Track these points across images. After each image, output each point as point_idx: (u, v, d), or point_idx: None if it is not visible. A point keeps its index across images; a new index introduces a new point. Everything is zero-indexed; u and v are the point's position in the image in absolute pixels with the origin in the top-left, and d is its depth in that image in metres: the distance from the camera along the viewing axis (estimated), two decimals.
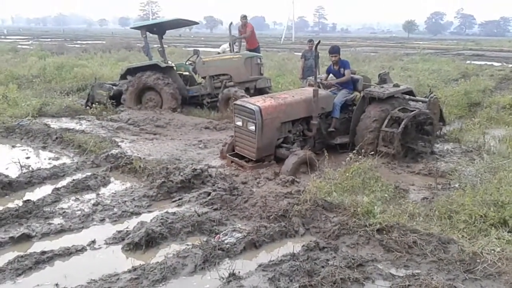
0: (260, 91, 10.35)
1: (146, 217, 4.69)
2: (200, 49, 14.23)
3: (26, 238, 4.15)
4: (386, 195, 5.00)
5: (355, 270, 3.55)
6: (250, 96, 8.79)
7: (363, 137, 6.76)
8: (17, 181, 5.52)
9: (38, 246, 4.03)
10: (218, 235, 4.24)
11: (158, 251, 4.01)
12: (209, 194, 5.12)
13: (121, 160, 6.25)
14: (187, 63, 11.84)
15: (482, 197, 4.53)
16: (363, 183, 5.24)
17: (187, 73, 11.46)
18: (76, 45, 33.88)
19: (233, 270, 3.51)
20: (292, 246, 3.98)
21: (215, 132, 8.77)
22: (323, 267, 3.57)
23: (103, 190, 5.48)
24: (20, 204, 4.74)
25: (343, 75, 7.25)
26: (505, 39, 73.27)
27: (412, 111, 6.78)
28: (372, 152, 6.20)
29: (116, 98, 10.44)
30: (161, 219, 4.37)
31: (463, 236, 4.05)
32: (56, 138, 7.59)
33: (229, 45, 11.49)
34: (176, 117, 9.48)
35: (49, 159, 6.77)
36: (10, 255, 3.85)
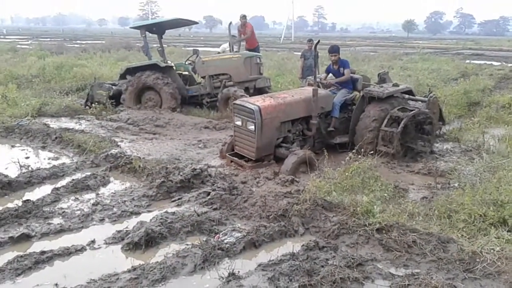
0: (260, 91, 10.35)
1: (146, 216, 4.69)
2: (199, 48, 14.21)
3: (26, 238, 4.15)
4: (385, 194, 5.01)
5: (355, 269, 3.55)
6: (250, 96, 8.80)
7: (363, 136, 6.76)
8: (16, 181, 5.51)
9: (37, 246, 4.02)
10: (217, 235, 4.24)
11: (158, 250, 4.01)
12: (208, 193, 5.11)
13: (120, 159, 6.25)
14: (186, 63, 11.83)
15: (481, 197, 4.53)
16: (363, 183, 5.25)
17: (186, 72, 11.45)
18: (76, 45, 33.86)
19: (233, 270, 3.51)
20: (291, 246, 3.98)
21: (215, 131, 8.77)
22: (322, 266, 3.57)
23: (102, 190, 5.48)
24: (20, 204, 4.73)
25: (343, 74, 7.25)
26: (505, 39, 73.36)
27: (412, 110, 6.79)
28: (372, 152, 6.21)
29: (116, 98, 10.44)
30: (161, 218, 4.37)
31: (462, 235, 4.05)
32: (56, 138, 7.58)
33: (229, 45, 11.49)
34: (175, 117, 9.48)
35: (49, 159, 6.77)
36: (10, 255, 3.84)
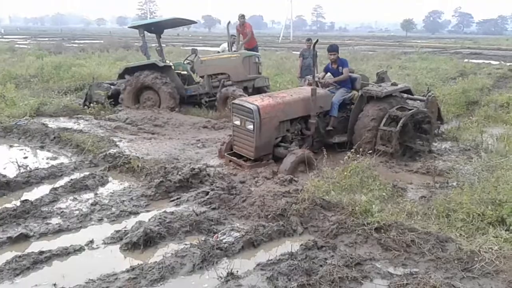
0: (258, 90, 10.35)
1: (144, 216, 4.68)
2: (198, 48, 14.23)
3: (24, 238, 4.15)
4: (384, 194, 5.01)
5: (353, 269, 3.55)
6: (248, 95, 8.79)
7: (361, 136, 6.76)
8: (15, 181, 5.50)
9: (36, 246, 4.02)
10: (216, 235, 4.24)
11: (156, 250, 4.01)
12: (207, 193, 5.11)
13: (119, 159, 6.25)
14: (185, 62, 11.82)
15: (480, 196, 4.54)
16: (361, 182, 5.25)
17: (185, 72, 11.44)
18: (74, 45, 33.79)
19: (232, 270, 3.51)
20: (290, 245, 3.98)
21: (213, 131, 8.77)
22: (321, 266, 3.58)
23: (101, 190, 5.47)
24: (18, 204, 4.73)
25: (341, 73, 7.25)
26: (503, 38, 73.52)
27: (410, 109, 6.79)
28: (370, 151, 6.21)
29: (114, 98, 10.42)
30: (159, 218, 4.36)
31: (461, 234, 4.06)
32: (54, 137, 7.57)
33: (228, 44, 11.48)
34: (174, 117, 9.47)
35: (47, 158, 6.76)
36: (8, 255, 3.84)
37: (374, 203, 4.53)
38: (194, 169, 5.59)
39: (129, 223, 4.50)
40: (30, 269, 3.63)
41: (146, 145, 7.52)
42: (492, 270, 3.46)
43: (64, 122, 9.11)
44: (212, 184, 5.39)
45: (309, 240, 4.02)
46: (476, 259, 3.58)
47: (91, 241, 4.10)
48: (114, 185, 5.67)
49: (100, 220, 4.61)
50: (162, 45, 11.89)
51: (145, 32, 10.93)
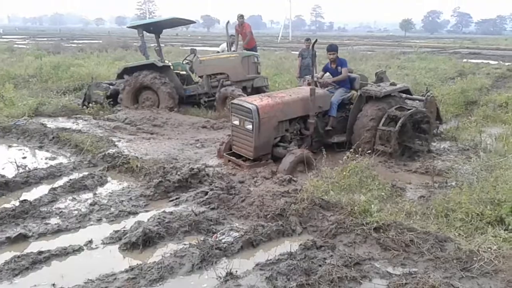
0: (257, 90, 10.36)
1: (143, 216, 4.68)
2: (197, 48, 14.22)
3: (23, 238, 4.14)
4: (383, 193, 5.01)
5: (352, 268, 3.55)
6: (247, 95, 8.79)
7: (360, 135, 6.77)
8: (13, 181, 5.50)
9: (35, 246, 4.01)
10: (215, 234, 4.24)
11: (155, 250, 4.01)
12: (206, 193, 5.11)
13: (118, 159, 6.24)
14: (184, 62, 11.81)
15: (478, 195, 4.54)
16: (360, 182, 5.25)
17: (184, 72, 11.43)
18: (73, 45, 33.76)
19: (231, 270, 3.51)
20: (289, 245, 3.98)
21: (212, 131, 8.76)
22: (320, 266, 3.58)
23: (100, 190, 5.47)
24: (17, 204, 4.72)
25: (340, 73, 7.26)
26: (502, 37, 73.65)
27: (409, 109, 6.79)
28: (369, 151, 6.21)
29: (113, 98, 10.41)
30: (158, 218, 4.36)
31: (459, 234, 4.06)
32: (53, 137, 7.56)
33: (227, 44, 11.48)
34: (173, 117, 9.46)
35: (46, 158, 6.75)
36: (7, 255, 3.83)
37: (373, 203, 4.53)
38: (193, 169, 5.59)
39: (128, 223, 4.50)
40: (29, 269, 3.63)
41: (145, 145, 7.51)
42: (491, 269, 3.47)
43: (63, 122, 9.10)
44: (211, 184, 5.39)
45: (308, 240, 4.02)
46: (475, 258, 3.58)
47: (90, 241, 4.10)
48: (113, 185, 5.67)
49: (99, 220, 4.61)
50: (161, 45, 11.88)
51: (144, 32, 10.92)
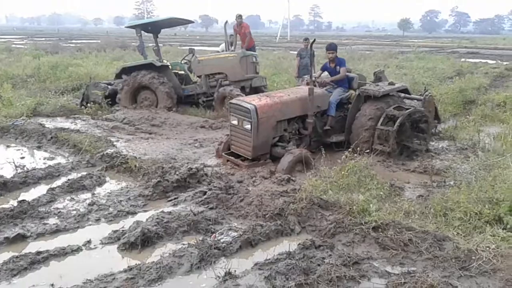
0: (256, 90, 10.35)
1: (142, 216, 4.68)
2: (195, 48, 14.19)
3: (21, 238, 4.14)
4: (381, 193, 5.01)
5: (351, 268, 3.56)
6: (246, 95, 8.78)
7: (359, 135, 6.77)
8: (12, 181, 5.49)
9: (33, 246, 4.01)
10: (214, 234, 4.24)
11: (154, 250, 4.00)
12: (204, 193, 5.11)
13: (116, 159, 6.23)
14: (182, 62, 11.81)
15: (477, 195, 4.55)
16: (359, 181, 5.25)
17: (182, 72, 11.42)
18: (71, 45, 33.72)
19: (229, 269, 3.51)
20: (288, 245, 3.98)
21: (211, 131, 8.76)
22: (319, 265, 3.58)
23: (98, 190, 5.46)
24: (15, 204, 4.71)
25: (339, 73, 7.26)
26: (500, 37, 73.67)
27: (407, 109, 6.80)
28: (368, 150, 6.22)
29: (111, 98, 10.41)
30: (157, 218, 4.36)
31: (458, 233, 4.07)
32: (51, 137, 7.55)
33: (225, 44, 11.47)
34: (171, 116, 9.46)
35: (44, 159, 6.74)
36: (5, 255, 3.82)
37: (372, 202, 4.54)
38: (191, 169, 5.59)
39: (126, 223, 4.49)
40: (27, 270, 3.62)
41: (144, 145, 7.51)
42: (489, 268, 3.47)
43: (61, 122, 9.09)
44: (209, 184, 5.39)
45: (306, 239, 4.03)
46: (473, 257, 3.59)
47: (89, 241, 4.10)
48: (111, 185, 5.66)
49: (98, 220, 4.60)
50: (159, 44, 11.87)
51: (142, 32, 10.91)
